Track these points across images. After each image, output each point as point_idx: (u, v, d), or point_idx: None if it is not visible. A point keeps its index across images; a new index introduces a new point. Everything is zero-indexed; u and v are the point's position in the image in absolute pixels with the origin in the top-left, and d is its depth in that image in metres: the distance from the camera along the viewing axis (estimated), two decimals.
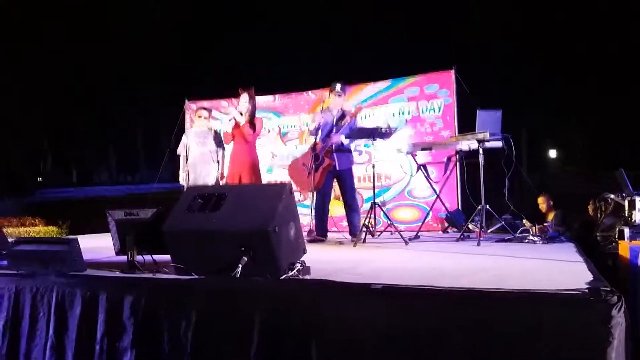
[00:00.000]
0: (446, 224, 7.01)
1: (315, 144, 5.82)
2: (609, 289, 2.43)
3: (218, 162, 6.58)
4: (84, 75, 25.12)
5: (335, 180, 5.99)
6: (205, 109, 6.78)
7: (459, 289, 2.62)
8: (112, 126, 29.11)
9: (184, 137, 6.69)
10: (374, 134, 5.67)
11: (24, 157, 27.39)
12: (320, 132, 5.89)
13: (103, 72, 25.06)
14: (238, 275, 3.06)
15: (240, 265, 3.08)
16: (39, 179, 30.68)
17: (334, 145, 5.77)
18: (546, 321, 2.40)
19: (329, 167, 5.80)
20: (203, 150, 6.50)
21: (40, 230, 8.63)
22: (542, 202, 7.29)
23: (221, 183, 6.61)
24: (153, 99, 25.44)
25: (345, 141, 5.82)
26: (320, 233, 5.92)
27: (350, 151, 5.98)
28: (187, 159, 6.56)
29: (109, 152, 33.08)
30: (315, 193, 5.90)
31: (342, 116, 5.93)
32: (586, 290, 2.46)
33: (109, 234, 3.82)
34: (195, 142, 6.52)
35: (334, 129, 5.83)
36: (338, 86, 6.01)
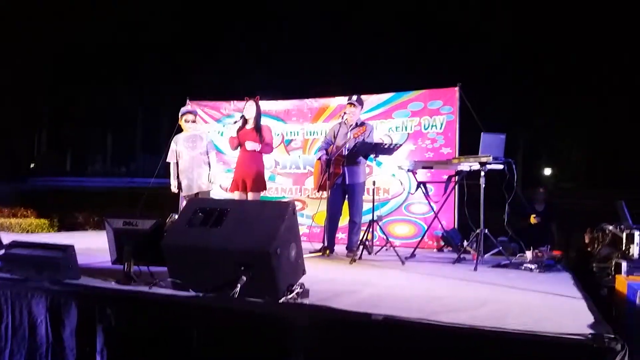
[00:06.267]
0: (442, 243, 7.00)
1: (327, 151, 5.91)
2: (612, 335, 2.40)
3: (209, 164, 6.52)
4: (86, 56, 24.78)
5: (345, 194, 5.98)
6: (190, 112, 6.69)
7: (460, 326, 2.59)
8: (111, 112, 28.81)
9: (172, 144, 6.59)
10: (377, 149, 5.65)
11: (20, 140, 27.11)
12: (332, 144, 5.96)
13: (106, 54, 24.74)
14: (236, 296, 3.03)
15: (239, 285, 3.05)
16: (32, 164, 30.40)
17: (345, 159, 5.75)
18: None
19: (335, 175, 5.79)
20: (193, 154, 6.42)
21: (32, 222, 8.51)
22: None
23: (212, 187, 6.57)
24: (155, 88, 25.25)
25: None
26: (327, 246, 5.90)
27: (360, 165, 5.92)
28: (177, 166, 6.50)
29: (106, 140, 32.81)
30: (327, 207, 5.90)
31: (357, 126, 5.93)
32: (589, 336, 2.44)
33: (101, 232, 3.77)
34: (185, 147, 6.45)
35: (350, 138, 5.85)
36: (354, 97, 6.04)
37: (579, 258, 5.74)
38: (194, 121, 6.62)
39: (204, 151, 6.46)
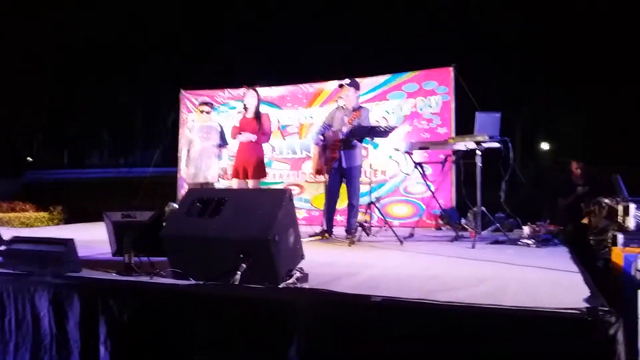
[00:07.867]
0: (440, 221, 7.04)
1: (324, 136, 5.91)
2: (607, 308, 2.44)
3: (220, 157, 6.59)
4: (79, 51, 24.62)
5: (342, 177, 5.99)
6: (206, 104, 6.82)
7: (458, 304, 2.63)
8: (106, 107, 28.71)
9: (186, 131, 6.73)
10: (372, 132, 5.66)
11: (18, 134, 27.01)
12: (330, 128, 5.95)
13: (100, 49, 24.58)
14: (237, 283, 3.06)
15: (239, 273, 3.08)
16: (29, 158, 30.31)
17: (341, 143, 5.75)
18: (544, 341, 2.42)
19: (332, 159, 5.80)
20: (205, 144, 6.52)
21: (30, 216, 8.49)
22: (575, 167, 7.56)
23: (217, 179, 6.62)
24: (149, 81, 25.12)
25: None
26: (326, 229, 5.93)
27: (356, 148, 5.90)
28: (189, 154, 6.57)
29: (103, 133, 32.76)
30: (325, 191, 5.92)
31: (352, 111, 5.92)
32: (585, 310, 2.48)
33: (101, 223, 3.81)
34: (199, 137, 6.54)
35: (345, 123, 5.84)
36: (346, 80, 6.00)
37: (576, 231, 5.78)
38: (208, 112, 6.72)
39: (216, 144, 6.56)
